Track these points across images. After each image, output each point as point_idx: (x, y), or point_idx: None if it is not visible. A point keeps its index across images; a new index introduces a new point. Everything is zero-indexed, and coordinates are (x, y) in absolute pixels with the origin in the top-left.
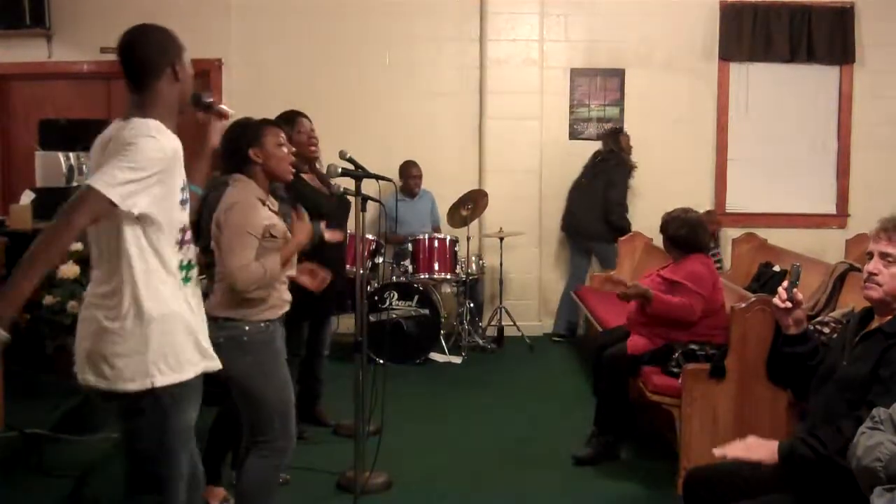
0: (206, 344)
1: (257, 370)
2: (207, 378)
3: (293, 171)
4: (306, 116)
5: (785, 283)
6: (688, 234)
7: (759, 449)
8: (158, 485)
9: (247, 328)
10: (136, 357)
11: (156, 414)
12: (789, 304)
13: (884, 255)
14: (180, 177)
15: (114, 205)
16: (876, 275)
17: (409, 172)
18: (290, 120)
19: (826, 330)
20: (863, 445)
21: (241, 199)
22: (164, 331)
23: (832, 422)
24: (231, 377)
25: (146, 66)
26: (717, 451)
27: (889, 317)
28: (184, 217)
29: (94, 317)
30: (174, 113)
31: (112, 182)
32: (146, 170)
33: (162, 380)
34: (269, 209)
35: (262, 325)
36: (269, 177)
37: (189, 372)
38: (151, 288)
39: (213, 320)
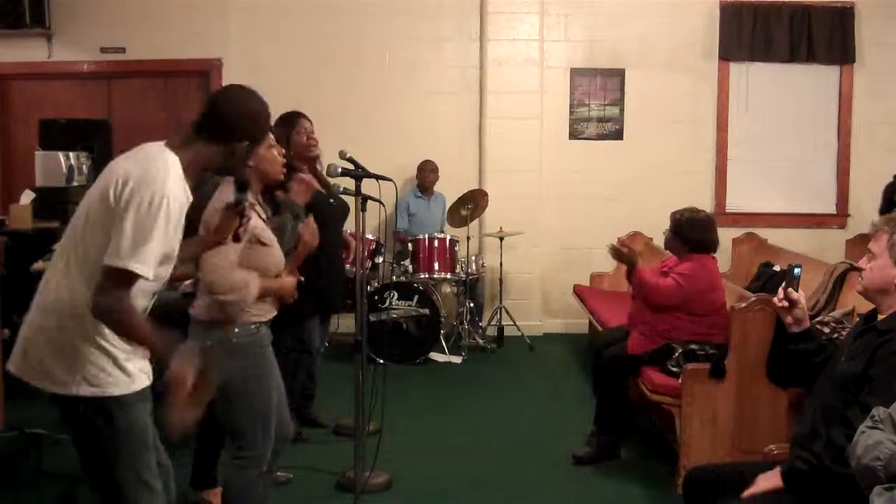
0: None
1: (245, 374)
2: None
3: (285, 171)
4: (306, 117)
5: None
6: (700, 236)
7: (765, 482)
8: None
9: (236, 331)
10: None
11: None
12: (786, 304)
13: (869, 251)
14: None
15: None
16: (863, 270)
17: (425, 167)
18: (288, 121)
19: (826, 330)
20: (862, 444)
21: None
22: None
23: (829, 419)
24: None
25: (217, 117)
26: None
27: (886, 314)
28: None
29: None
30: (204, 170)
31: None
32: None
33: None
34: (258, 215)
35: (252, 327)
36: (261, 179)
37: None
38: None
39: (199, 324)
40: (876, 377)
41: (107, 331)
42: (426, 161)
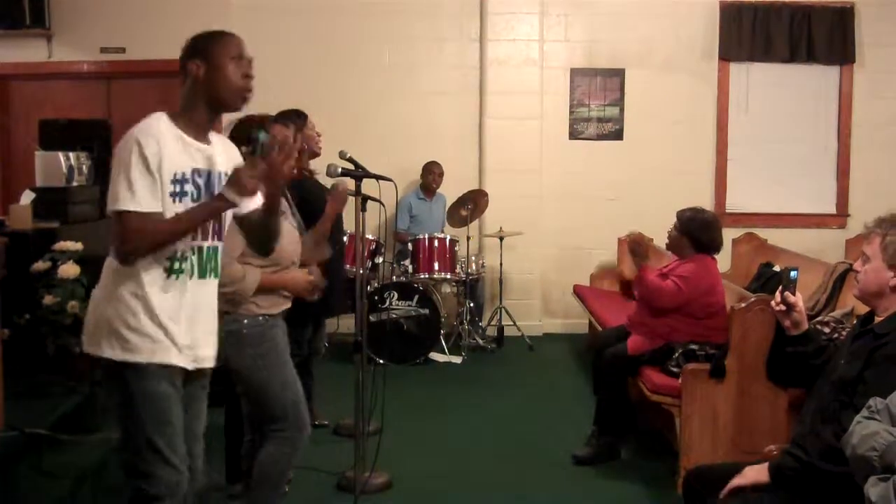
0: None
1: (259, 362)
2: (213, 377)
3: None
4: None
5: None
6: (709, 236)
7: (753, 474)
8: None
9: (245, 321)
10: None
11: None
12: (782, 307)
13: (863, 254)
14: (168, 170)
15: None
16: (858, 272)
17: (432, 170)
18: (297, 117)
19: (826, 330)
20: (858, 434)
21: None
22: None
23: (826, 421)
24: (235, 372)
25: (180, 68)
26: (722, 494)
27: (883, 317)
28: (175, 209)
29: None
30: (199, 108)
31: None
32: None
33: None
34: None
35: (261, 318)
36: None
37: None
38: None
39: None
40: (870, 381)
41: (132, 302)
42: (433, 163)
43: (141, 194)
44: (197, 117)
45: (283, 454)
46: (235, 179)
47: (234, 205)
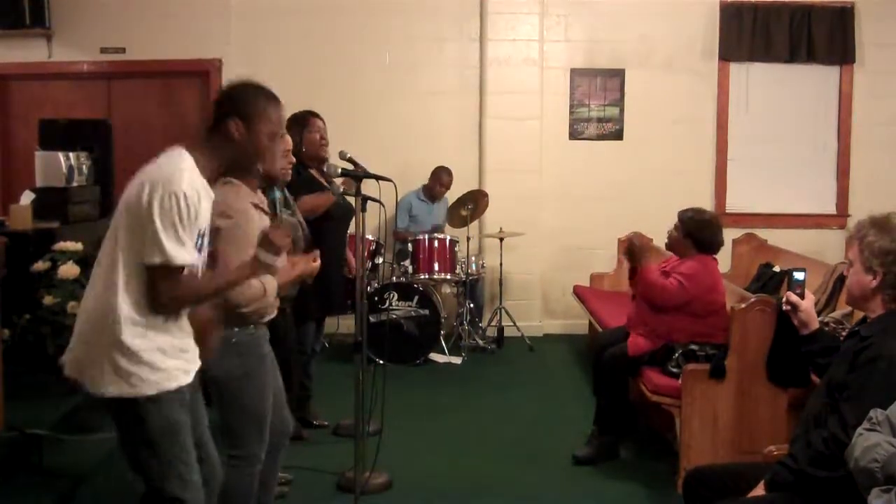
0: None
1: (241, 373)
2: None
3: (289, 169)
4: (318, 116)
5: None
6: (710, 236)
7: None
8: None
9: (235, 329)
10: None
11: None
12: (787, 307)
13: (849, 261)
14: (199, 226)
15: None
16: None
17: (441, 179)
18: (301, 120)
19: (826, 330)
20: (860, 446)
21: (239, 207)
22: None
23: (818, 425)
24: (214, 378)
25: (216, 109)
26: None
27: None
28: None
29: None
30: (218, 166)
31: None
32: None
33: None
34: (259, 208)
35: (251, 328)
36: (264, 176)
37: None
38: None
39: None
40: (852, 384)
41: (137, 335)
42: (443, 169)
43: (188, 249)
44: (218, 169)
45: (245, 475)
46: (269, 242)
47: (272, 268)
